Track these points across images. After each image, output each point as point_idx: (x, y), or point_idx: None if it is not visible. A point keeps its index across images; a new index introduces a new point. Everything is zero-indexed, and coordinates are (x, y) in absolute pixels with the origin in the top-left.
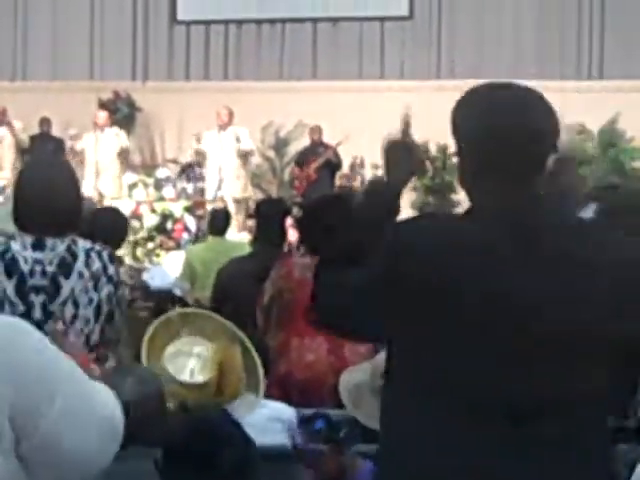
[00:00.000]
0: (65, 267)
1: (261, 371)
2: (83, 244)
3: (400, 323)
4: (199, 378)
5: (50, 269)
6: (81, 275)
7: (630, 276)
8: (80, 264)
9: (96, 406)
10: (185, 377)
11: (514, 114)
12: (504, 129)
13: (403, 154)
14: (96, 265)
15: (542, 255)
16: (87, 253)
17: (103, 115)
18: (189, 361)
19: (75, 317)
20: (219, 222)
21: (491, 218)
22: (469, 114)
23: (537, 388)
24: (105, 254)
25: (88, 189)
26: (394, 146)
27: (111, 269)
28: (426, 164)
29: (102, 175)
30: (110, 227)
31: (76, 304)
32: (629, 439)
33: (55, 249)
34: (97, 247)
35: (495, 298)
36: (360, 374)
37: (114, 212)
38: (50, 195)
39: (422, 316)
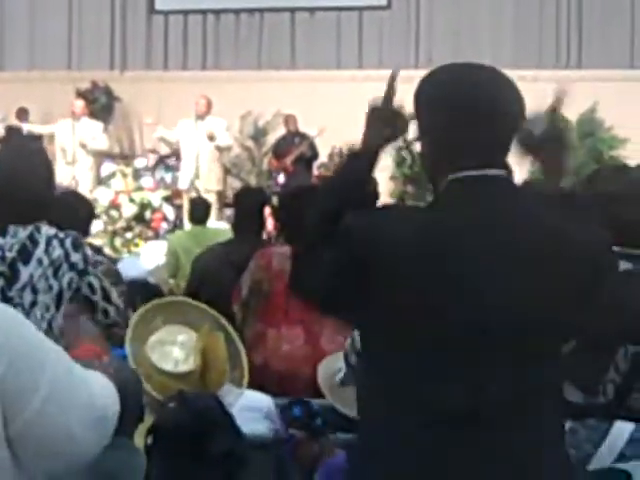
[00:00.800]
0: (25, 253)
1: (245, 360)
2: (47, 231)
3: (366, 312)
4: (183, 367)
5: (10, 255)
6: (40, 262)
7: (591, 271)
8: (40, 251)
9: (83, 395)
10: (169, 367)
11: (480, 92)
12: (469, 108)
13: (383, 118)
14: (57, 252)
15: (503, 249)
16: (49, 240)
17: (80, 104)
18: (173, 350)
19: (34, 303)
20: (199, 211)
21: (455, 207)
22: (432, 94)
23: (490, 388)
24: (68, 241)
25: (65, 178)
26: (375, 110)
27: (75, 256)
28: (407, 125)
29: (78, 164)
30: (72, 212)
31: (35, 290)
32: (598, 415)
33: (17, 236)
34: (61, 234)
35: (453, 292)
36: (338, 362)
37: (75, 196)
38: (12, 185)
39: (383, 307)
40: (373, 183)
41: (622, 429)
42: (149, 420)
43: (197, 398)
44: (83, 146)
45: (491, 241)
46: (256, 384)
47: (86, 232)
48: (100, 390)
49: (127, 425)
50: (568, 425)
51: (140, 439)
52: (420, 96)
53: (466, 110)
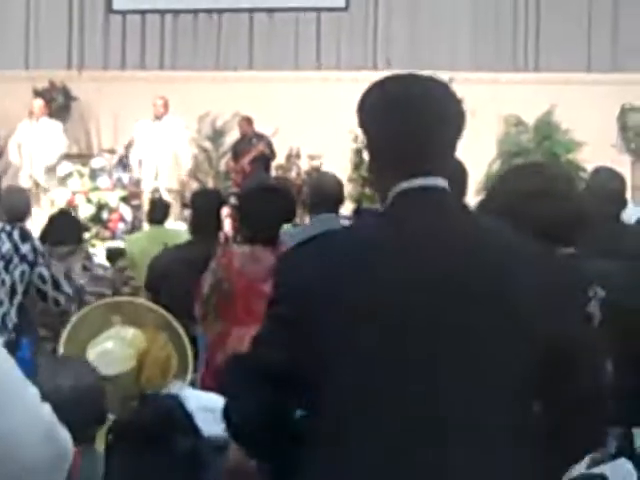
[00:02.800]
0: None
1: (191, 359)
2: None
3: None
4: (109, 370)
5: None
6: None
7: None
8: None
9: (28, 401)
10: (105, 368)
11: (423, 103)
12: (412, 119)
13: None
14: (6, 246)
15: (431, 269)
16: None
17: (39, 104)
18: (113, 350)
19: None
20: (158, 211)
21: (388, 221)
22: (374, 106)
23: (438, 408)
24: (16, 233)
25: (24, 179)
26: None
27: (24, 248)
28: None
29: (36, 165)
30: (11, 204)
31: None
32: None
33: None
34: (7, 227)
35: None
36: None
37: (18, 190)
38: None
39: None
40: (339, 186)
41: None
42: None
43: (158, 398)
44: (42, 146)
45: (431, 264)
46: (217, 384)
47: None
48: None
49: (89, 430)
50: None
51: (101, 441)
52: (364, 106)
53: (409, 121)
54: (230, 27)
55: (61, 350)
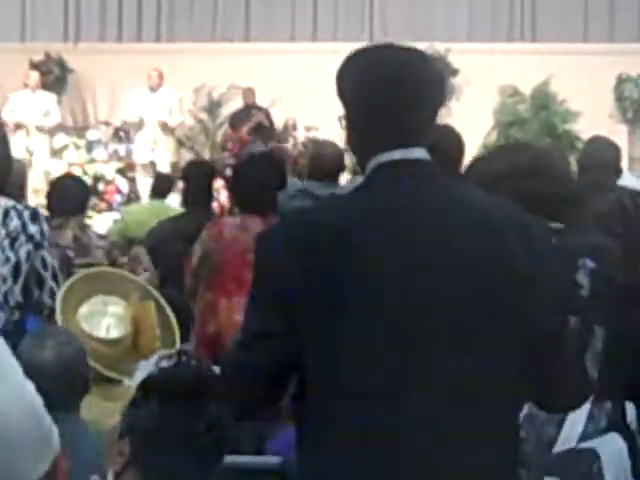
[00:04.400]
0: None
1: (176, 327)
2: (5, 203)
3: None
4: (114, 333)
5: None
6: None
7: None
8: None
9: (18, 379)
10: (101, 333)
11: (403, 73)
12: (393, 89)
13: None
14: (14, 223)
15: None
16: (6, 212)
17: (35, 76)
18: (104, 319)
19: None
20: (162, 185)
21: (380, 193)
22: (352, 75)
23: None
24: (26, 213)
25: (19, 150)
26: None
27: (32, 228)
28: None
29: (33, 136)
30: (73, 194)
31: None
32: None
33: None
34: (19, 206)
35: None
36: None
37: (75, 180)
38: None
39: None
40: (339, 154)
41: (580, 408)
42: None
43: (191, 359)
44: (37, 118)
45: (416, 231)
46: (208, 354)
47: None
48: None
49: (72, 399)
50: (524, 412)
51: (86, 410)
52: (343, 75)
53: (390, 91)
54: None
55: (59, 321)
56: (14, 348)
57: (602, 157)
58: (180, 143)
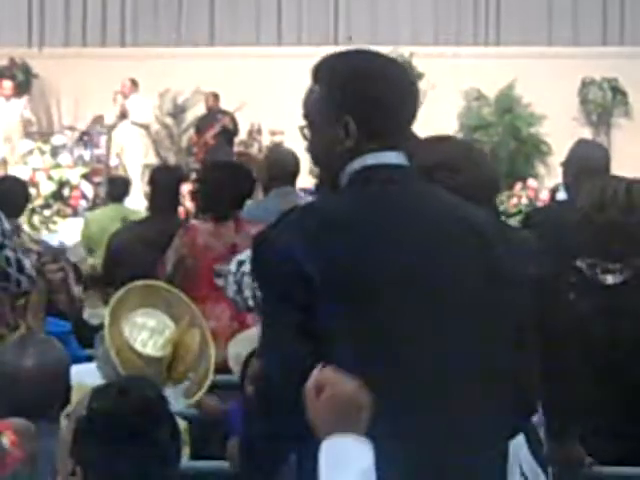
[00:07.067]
0: None
1: (212, 358)
2: None
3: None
4: (158, 353)
5: None
6: None
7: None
8: None
9: None
10: (140, 347)
11: (388, 78)
12: (380, 92)
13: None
14: None
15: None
16: None
17: (9, 84)
18: (151, 335)
19: None
20: (117, 188)
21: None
22: (343, 76)
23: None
24: None
25: None
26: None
27: None
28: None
29: (7, 143)
30: (8, 195)
31: None
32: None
33: None
34: None
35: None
36: (247, 343)
37: (14, 180)
38: None
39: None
40: (295, 160)
41: None
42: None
43: (140, 387)
44: (6, 124)
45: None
46: None
47: (19, 214)
48: None
49: (52, 408)
50: None
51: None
52: (322, 76)
53: (385, 91)
54: (190, 3)
55: (106, 324)
56: None
57: (593, 159)
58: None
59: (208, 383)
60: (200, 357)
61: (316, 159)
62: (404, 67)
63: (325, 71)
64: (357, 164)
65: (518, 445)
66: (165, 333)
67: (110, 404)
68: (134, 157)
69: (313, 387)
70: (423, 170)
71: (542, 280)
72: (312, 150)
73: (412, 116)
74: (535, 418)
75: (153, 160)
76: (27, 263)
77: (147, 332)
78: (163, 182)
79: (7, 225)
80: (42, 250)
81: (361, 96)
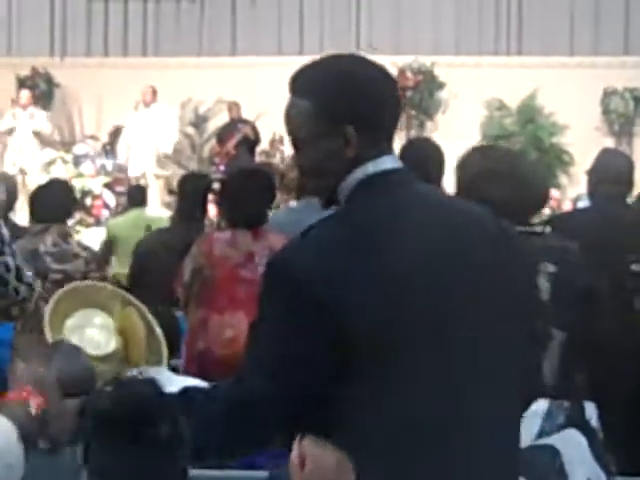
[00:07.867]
0: None
1: (160, 333)
2: None
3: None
4: (107, 349)
5: None
6: None
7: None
8: None
9: None
10: (92, 350)
11: (374, 82)
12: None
13: None
14: None
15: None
16: None
17: (26, 94)
18: (92, 333)
19: None
20: (136, 195)
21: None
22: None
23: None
24: None
25: (9, 167)
26: None
27: None
28: None
29: (23, 153)
30: (54, 199)
31: None
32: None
33: None
34: None
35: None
36: None
37: (59, 184)
38: None
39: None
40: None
41: (537, 406)
42: None
43: (133, 383)
44: (31, 135)
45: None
46: (199, 370)
47: (65, 219)
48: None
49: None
50: None
51: None
52: (307, 88)
53: (383, 97)
54: (212, 13)
55: (48, 336)
56: None
57: (616, 168)
58: (169, 157)
59: (164, 352)
60: (150, 333)
61: (311, 172)
62: (380, 66)
63: (308, 83)
64: (360, 173)
65: (577, 447)
66: (105, 326)
67: (107, 405)
68: (154, 167)
69: (296, 458)
70: (467, 177)
71: (599, 290)
72: (305, 164)
73: (398, 114)
74: (594, 422)
75: (171, 170)
76: (25, 272)
77: (94, 333)
78: (190, 190)
79: (5, 231)
80: (89, 257)
81: (355, 104)
